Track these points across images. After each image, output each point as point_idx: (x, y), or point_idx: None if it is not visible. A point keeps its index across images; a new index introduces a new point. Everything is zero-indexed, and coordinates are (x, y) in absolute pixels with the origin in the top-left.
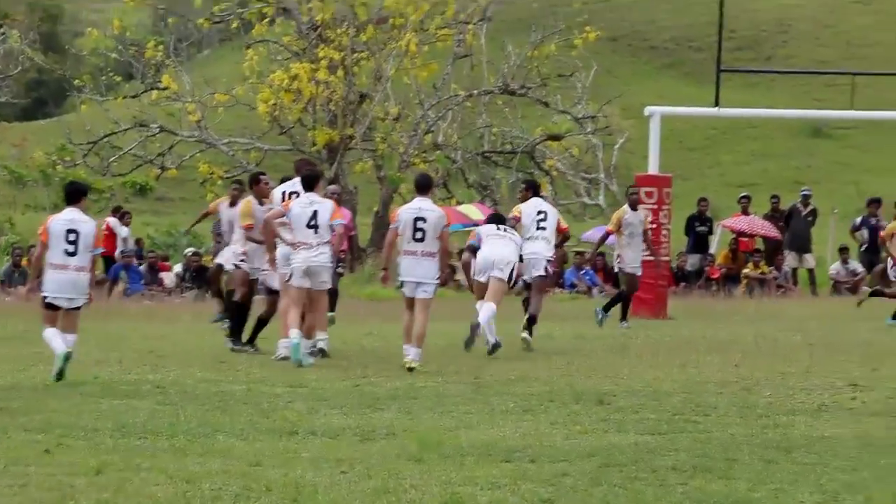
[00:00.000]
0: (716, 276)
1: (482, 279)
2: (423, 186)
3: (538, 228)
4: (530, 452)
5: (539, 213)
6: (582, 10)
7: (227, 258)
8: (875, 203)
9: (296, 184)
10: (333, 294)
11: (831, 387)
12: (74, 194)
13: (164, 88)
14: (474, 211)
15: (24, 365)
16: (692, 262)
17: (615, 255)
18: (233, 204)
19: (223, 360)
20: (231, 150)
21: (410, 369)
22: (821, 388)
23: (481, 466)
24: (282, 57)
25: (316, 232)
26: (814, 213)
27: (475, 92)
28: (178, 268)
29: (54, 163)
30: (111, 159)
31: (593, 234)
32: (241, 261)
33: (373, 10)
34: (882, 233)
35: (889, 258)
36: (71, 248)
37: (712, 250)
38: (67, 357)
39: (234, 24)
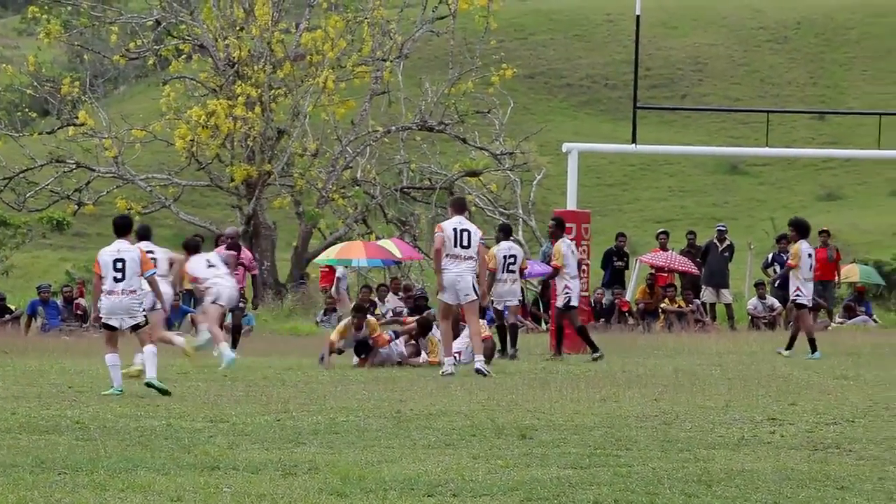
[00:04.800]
0: (626, 308)
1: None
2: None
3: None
4: (452, 487)
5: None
6: (498, 47)
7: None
8: (785, 239)
9: (462, 221)
10: (236, 330)
11: (751, 421)
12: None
13: (81, 124)
14: (393, 246)
15: None
16: (608, 296)
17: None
18: None
19: (142, 395)
20: (149, 186)
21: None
22: (740, 421)
23: (404, 501)
24: (199, 93)
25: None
26: (730, 248)
27: (393, 128)
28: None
29: None
30: (27, 195)
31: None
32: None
33: (290, 47)
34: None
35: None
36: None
37: (629, 285)
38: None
39: (151, 61)
